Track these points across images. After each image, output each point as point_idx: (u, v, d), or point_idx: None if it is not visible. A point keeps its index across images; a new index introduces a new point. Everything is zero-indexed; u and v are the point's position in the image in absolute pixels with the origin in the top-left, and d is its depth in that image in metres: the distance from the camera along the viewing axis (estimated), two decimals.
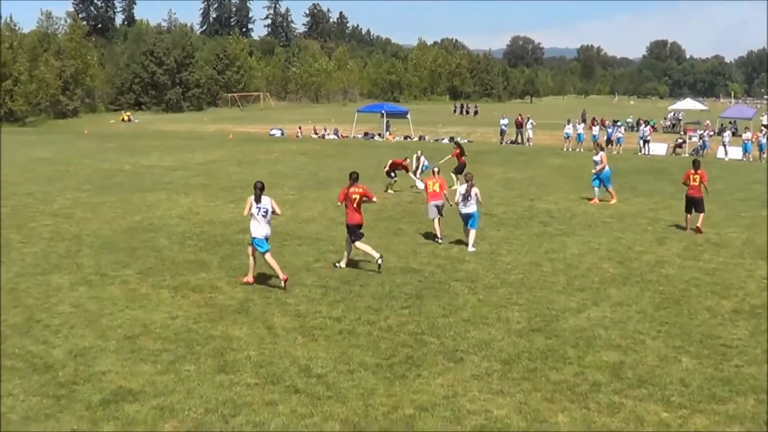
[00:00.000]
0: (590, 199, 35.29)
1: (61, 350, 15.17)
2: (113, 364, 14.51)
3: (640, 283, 21.00)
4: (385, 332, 16.49)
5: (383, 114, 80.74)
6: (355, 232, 22.05)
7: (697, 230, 28.25)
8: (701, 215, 28.83)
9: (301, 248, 24.66)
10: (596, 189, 35.48)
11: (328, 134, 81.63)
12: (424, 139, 77.89)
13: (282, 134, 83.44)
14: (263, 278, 20.78)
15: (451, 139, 73.28)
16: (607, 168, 35.37)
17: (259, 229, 20.11)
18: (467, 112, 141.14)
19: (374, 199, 22.82)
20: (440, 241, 26.05)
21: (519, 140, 75.78)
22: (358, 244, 22.02)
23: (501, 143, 74.19)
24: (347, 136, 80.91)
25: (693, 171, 29.14)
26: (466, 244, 25.05)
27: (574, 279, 21.35)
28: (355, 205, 21.95)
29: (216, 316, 17.49)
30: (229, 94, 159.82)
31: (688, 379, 14.15)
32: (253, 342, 15.78)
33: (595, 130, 71.62)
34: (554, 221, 30.31)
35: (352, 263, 22.52)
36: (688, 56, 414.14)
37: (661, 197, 37.34)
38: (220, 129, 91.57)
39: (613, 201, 35.14)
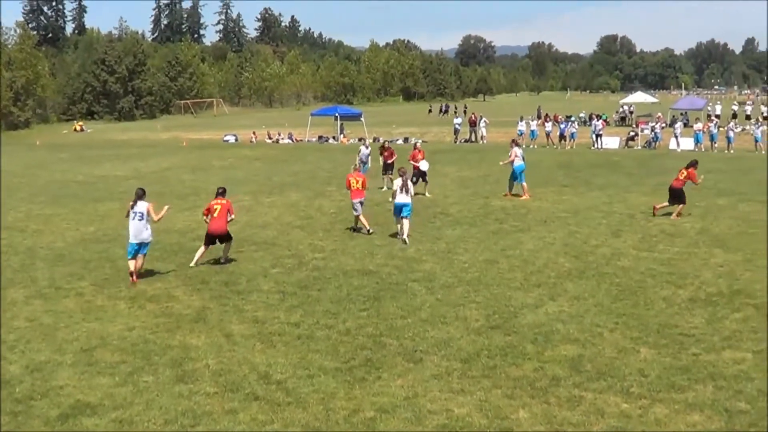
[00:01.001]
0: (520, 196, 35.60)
1: (17, 366, 15.01)
2: (70, 377, 14.39)
3: (596, 276, 21.10)
4: (343, 335, 16.46)
5: (337, 117, 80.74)
6: (213, 240, 23.28)
7: (677, 215, 29.99)
8: (679, 206, 30.26)
9: (257, 254, 24.55)
10: (523, 185, 35.86)
11: (283, 139, 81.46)
12: (379, 140, 77.84)
13: (236, 140, 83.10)
14: (221, 284, 20.73)
15: (406, 139, 73.54)
16: (521, 163, 35.71)
17: (133, 232, 21.41)
18: (446, 113, 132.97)
19: (233, 216, 23.72)
20: (371, 231, 27.40)
21: (473, 139, 75.98)
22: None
23: (455, 142, 74.33)
24: (301, 140, 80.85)
25: (684, 167, 31.40)
26: (396, 235, 25.33)
27: (530, 275, 21.41)
28: (215, 214, 22.99)
29: (173, 326, 17.38)
30: (182, 101, 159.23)
31: (647, 369, 14.23)
32: (211, 350, 15.69)
33: (549, 126, 71.89)
34: (509, 218, 30.37)
35: (314, 268, 22.53)
36: (638, 50, 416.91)
37: (615, 190, 37.54)
38: (173, 136, 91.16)
39: (525, 197, 35.31)
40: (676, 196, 30.55)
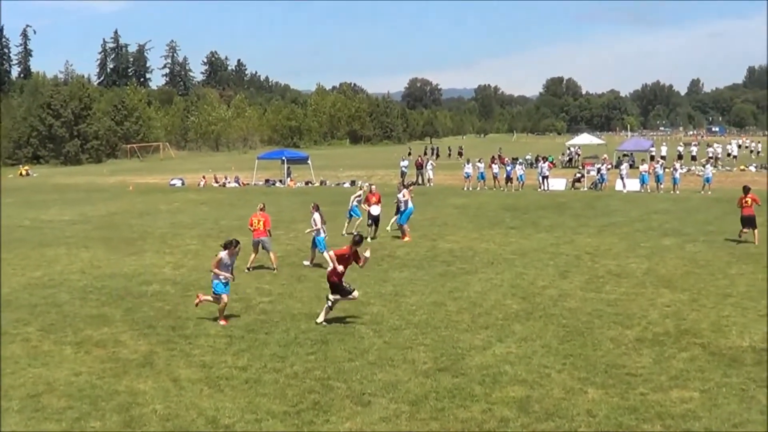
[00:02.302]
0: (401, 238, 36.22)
1: None
2: (17, 423, 14.21)
3: (543, 318, 21.19)
4: (291, 379, 16.38)
5: (284, 160, 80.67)
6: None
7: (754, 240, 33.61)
8: (755, 231, 33.98)
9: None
10: (404, 226, 36.52)
11: (229, 182, 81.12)
12: (326, 184, 77.97)
13: (183, 184, 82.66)
14: (168, 329, 20.61)
15: (353, 182, 73.61)
16: (411, 206, 36.79)
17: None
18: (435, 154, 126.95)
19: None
20: (274, 269, 28.76)
21: (420, 181, 76.16)
22: None
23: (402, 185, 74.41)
24: (248, 184, 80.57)
25: (744, 195, 34.75)
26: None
27: (478, 317, 21.45)
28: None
29: (120, 371, 17.20)
30: (128, 145, 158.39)
31: (595, 409, 14.28)
32: (158, 395, 15.54)
33: (495, 168, 72.22)
34: (457, 260, 30.47)
35: (261, 311, 22.45)
36: (584, 92, 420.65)
37: (562, 232, 37.78)
38: (120, 181, 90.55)
39: (406, 239, 35.77)
40: (750, 222, 34.05)
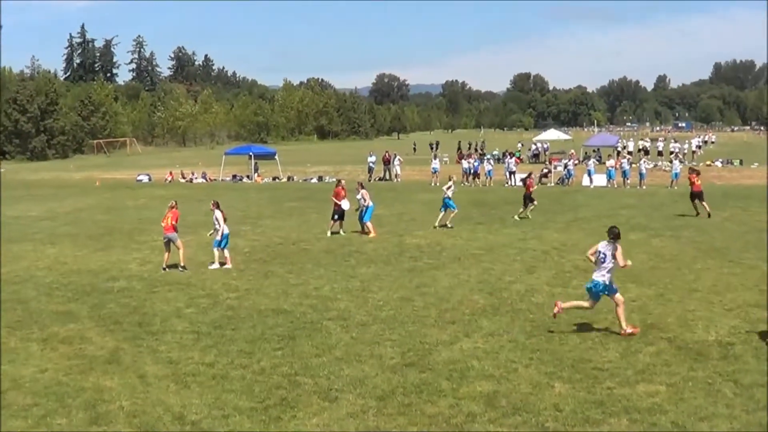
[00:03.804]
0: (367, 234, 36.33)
1: None
2: None
3: (510, 313, 21.21)
4: (258, 375, 16.33)
5: (251, 156, 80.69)
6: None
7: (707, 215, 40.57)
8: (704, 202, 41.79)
9: (171, 294, 24.33)
10: (368, 224, 36.60)
11: (196, 178, 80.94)
12: (293, 179, 77.87)
13: (149, 180, 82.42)
14: (134, 325, 20.52)
15: (320, 178, 73.67)
16: (371, 203, 36.76)
17: None
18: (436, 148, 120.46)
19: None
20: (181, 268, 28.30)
21: (387, 177, 76.21)
22: None
23: (369, 180, 74.34)
24: (215, 179, 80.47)
25: (696, 174, 43.04)
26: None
27: (445, 312, 21.45)
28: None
29: (86, 368, 17.10)
30: (95, 141, 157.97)
31: (562, 404, 14.30)
32: (125, 392, 15.46)
33: (464, 163, 72.28)
34: (424, 256, 30.50)
35: (228, 307, 22.41)
36: (551, 87, 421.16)
37: (529, 227, 37.89)
38: (86, 176, 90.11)
39: (372, 234, 35.91)
40: (700, 195, 42.17)
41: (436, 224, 38.12)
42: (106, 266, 29.20)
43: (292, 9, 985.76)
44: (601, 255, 19.46)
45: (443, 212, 38.39)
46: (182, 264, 28.28)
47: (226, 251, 28.71)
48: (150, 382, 16.09)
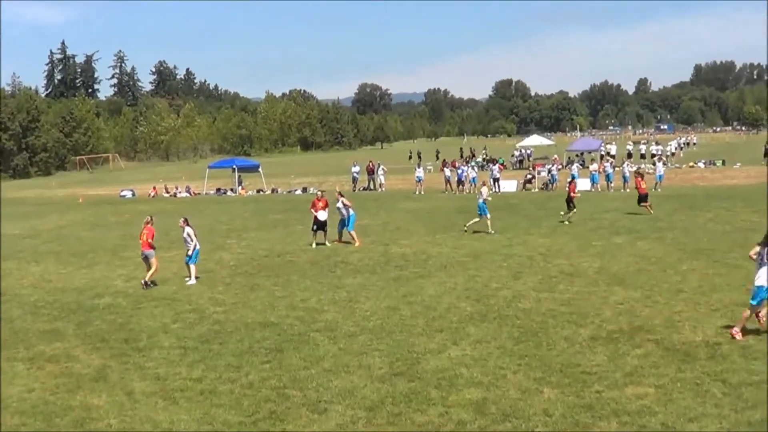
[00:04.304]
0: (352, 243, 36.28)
1: None
2: None
3: (498, 319, 21.20)
4: (246, 389, 16.29)
5: (235, 169, 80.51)
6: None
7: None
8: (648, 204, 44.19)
9: (157, 309, 24.25)
10: (352, 233, 36.65)
11: (180, 192, 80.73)
12: (277, 191, 77.81)
13: (133, 195, 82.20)
14: (121, 342, 20.44)
15: (305, 189, 73.60)
16: (352, 212, 36.81)
17: None
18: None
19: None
20: (148, 284, 28.19)
21: (371, 186, 76.16)
22: None
23: (353, 190, 74.28)
24: (199, 193, 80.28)
25: (641, 179, 46.03)
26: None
27: (432, 320, 21.43)
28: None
29: (74, 386, 17.04)
30: (78, 157, 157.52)
31: (551, 409, 14.31)
32: (113, 409, 15.40)
33: (447, 171, 72.23)
34: (410, 264, 30.46)
35: (215, 321, 22.34)
36: (533, 93, 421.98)
37: (515, 233, 37.88)
38: (69, 193, 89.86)
39: (357, 244, 35.91)
40: (646, 198, 45.31)
41: (466, 227, 39.02)
42: (91, 283, 29.12)
43: (274, 20, 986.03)
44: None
45: (479, 218, 38.80)
46: (147, 279, 28.22)
47: (192, 266, 28.69)
48: (138, 399, 16.03)
